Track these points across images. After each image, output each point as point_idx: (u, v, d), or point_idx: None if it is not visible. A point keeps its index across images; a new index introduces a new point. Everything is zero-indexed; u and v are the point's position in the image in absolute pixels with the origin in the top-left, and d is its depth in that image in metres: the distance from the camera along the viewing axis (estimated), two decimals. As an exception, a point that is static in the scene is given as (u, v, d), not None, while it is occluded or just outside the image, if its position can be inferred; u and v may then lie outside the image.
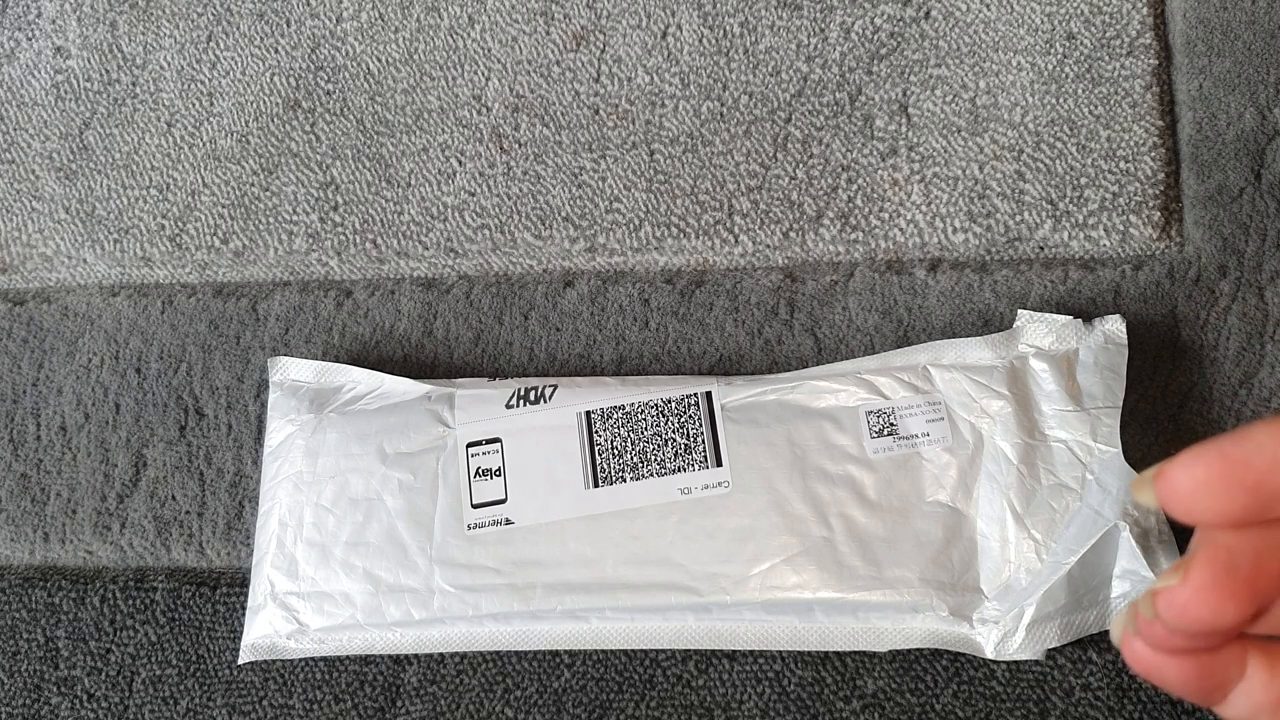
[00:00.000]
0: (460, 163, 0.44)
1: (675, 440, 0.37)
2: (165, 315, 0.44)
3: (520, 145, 0.44)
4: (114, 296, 0.44)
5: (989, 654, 0.35)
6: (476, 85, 0.44)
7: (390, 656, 0.39)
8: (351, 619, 0.37)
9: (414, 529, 0.37)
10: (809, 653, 0.37)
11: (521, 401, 0.38)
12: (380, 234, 0.43)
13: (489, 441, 0.38)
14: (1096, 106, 0.41)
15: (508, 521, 0.37)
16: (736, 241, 0.42)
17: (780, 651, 0.37)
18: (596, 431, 0.38)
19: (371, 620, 0.37)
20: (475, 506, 0.37)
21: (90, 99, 0.46)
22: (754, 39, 0.43)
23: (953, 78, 0.42)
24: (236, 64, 0.46)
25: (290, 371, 0.41)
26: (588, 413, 0.38)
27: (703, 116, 0.43)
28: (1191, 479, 0.19)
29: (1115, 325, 0.37)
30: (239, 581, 0.40)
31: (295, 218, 0.44)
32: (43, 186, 0.46)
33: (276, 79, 0.45)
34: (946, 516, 0.36)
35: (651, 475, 0.37)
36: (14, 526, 0.42)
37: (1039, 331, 0.37)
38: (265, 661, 0.39)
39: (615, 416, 0.38)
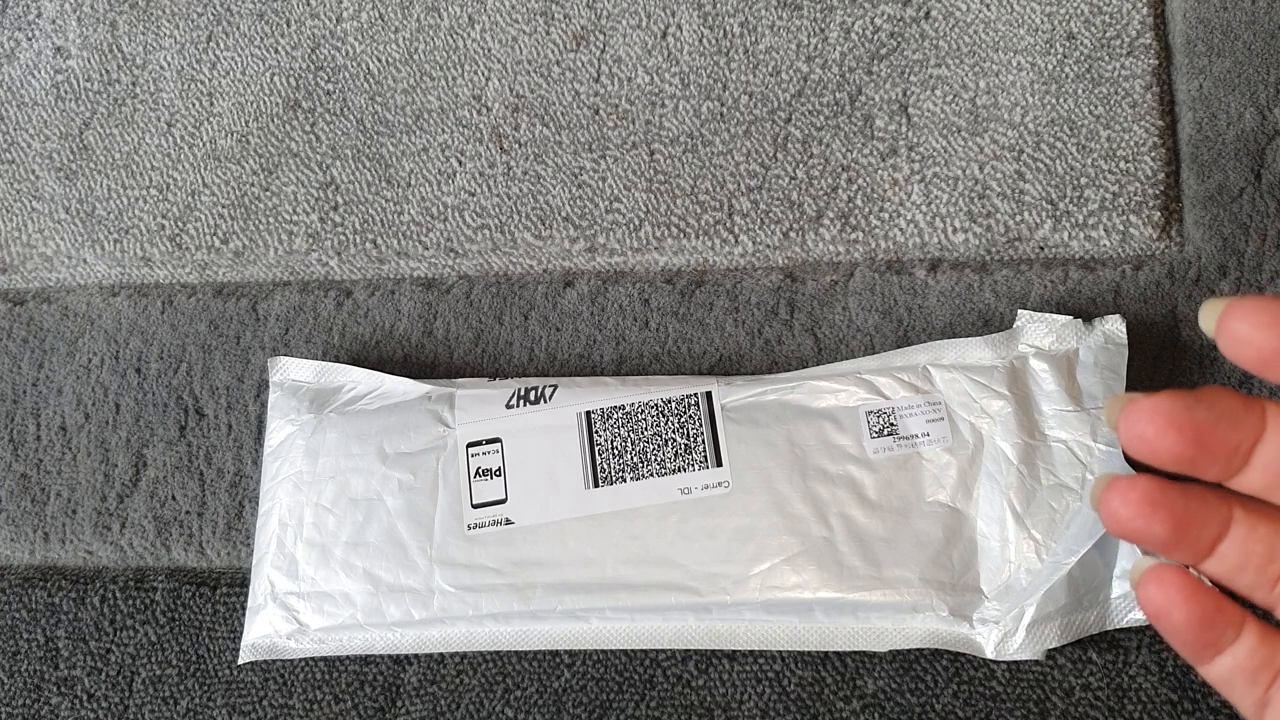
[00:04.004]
0: (460, 163, 0.44)
1: (675, 440, 0.37)
2: (165, 315, 0.44)
3: (520, 145, 0.44)
4: (114, 296, 0.44)
5: (989, 654, 0.35)
6: (476, 85, 0.44)
7: (390, 656, 0.39)
8: (351, 619, 0.37)
9: (414, 529, 0.37)
10: (809, 653, 0.37)
11: (521, 401, 0.38)
12: (380, 234, 0.43)
13: (489, 441, 0.38)
14: (1096, 106, 0.41)
15: (508, 521, 0.37)
16: (736, 241, 0.42)
17: (780, 651, 0.37)
18: (596, 431, 0.38)
19: (371, 620, 0.37)
20: (475, 506, 0.37)
21: (90, 99, 0.46)
22: (754, 39, 0.43)
23: (953, 78, 0.42)
24: (236, 64, 0.46)
25: (290, 371, 0.41)
26: (588, 413, 0.38)
27: (703, 116, 0.43)
28: (1151, 424, 0.22)
29: (1115, 325, 0.37)
30: (239, 581, 0.40)
31: (295, 218, 0.44)
32: (43, 186, 0.46)
33: (276, 79, 0.45)
34: (946, 516, 0.36)
35: (651, 475, 0.37)
36: (14, 526, 0.42)
37: (1039, 331, 0.37)
38: (265, 661, 0.39)
39: (615, 416, 0.38)
